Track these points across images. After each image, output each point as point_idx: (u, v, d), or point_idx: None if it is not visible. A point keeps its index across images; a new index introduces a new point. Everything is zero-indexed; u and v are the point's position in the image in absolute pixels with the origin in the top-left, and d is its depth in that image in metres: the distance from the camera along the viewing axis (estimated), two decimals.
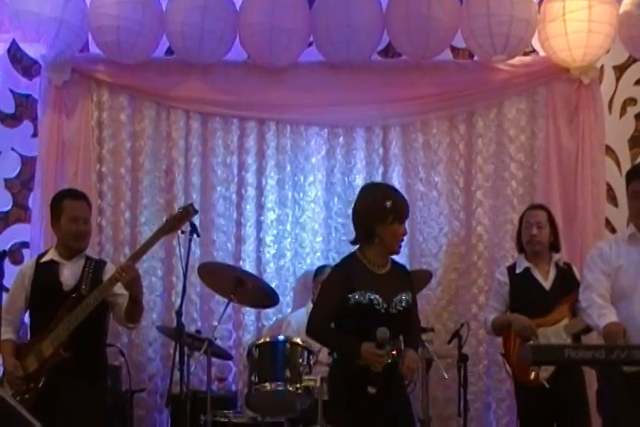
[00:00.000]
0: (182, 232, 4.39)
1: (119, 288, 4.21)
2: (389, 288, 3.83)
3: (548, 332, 4.73)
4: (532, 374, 4.56)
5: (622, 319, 3.89)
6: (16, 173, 5.98)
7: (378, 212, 3.84)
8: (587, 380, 4.78)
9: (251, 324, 5.77)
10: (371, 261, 3.89)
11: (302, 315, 5.54)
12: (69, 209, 4.33)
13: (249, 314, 5.75)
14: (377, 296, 3.78)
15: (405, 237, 5.41)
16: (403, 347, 3.80)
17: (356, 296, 3.76)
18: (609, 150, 5.92)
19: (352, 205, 5.56)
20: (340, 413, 3.86)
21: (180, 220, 4.29)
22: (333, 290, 3.85)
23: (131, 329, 4.78)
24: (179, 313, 4.54)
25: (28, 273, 4.38)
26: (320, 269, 5.67)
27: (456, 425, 5.08)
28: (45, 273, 4.32)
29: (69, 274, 4.30)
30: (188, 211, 4.31)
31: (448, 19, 5.58)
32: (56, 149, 5.72)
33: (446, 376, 4.85)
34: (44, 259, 4.40)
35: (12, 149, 5.98)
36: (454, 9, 5.63)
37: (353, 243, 3.98)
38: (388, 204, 3.84)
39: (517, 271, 4.93)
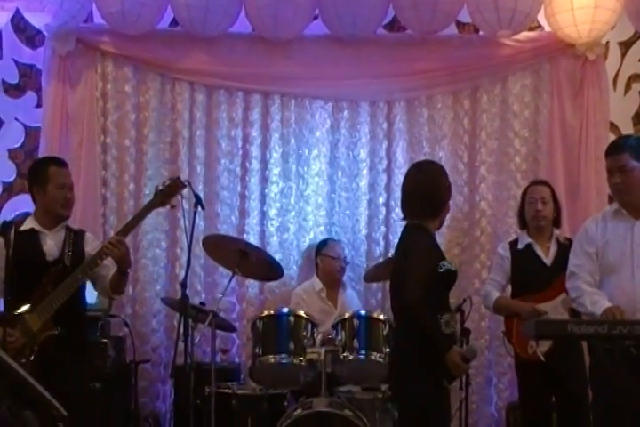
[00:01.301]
0: (172, 206, 4.36)
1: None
2: None
3: (547, 306, 4.76)
4: (530, 348, 4.65)
5: (611, 292, 3.93)
6: (20, 143, 5.99)
7: (449, 190, 4.00)
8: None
9: (254, 296, 5.81)
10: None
11: (308, 289, 5.60)
12: (56, 176, 4.26)
13: (252, 287, 5.79)
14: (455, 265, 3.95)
15: None
16: None
17: (446, 264, 3.84)
18: (613, 127, 5.92)
19: (355, 180, 5.78)
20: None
21: (169, 194, 4.28)
22: (426, 259, 3.83)
23: (113, 300, 4.80)
24: (183, 285, 4.55)
25: (2, 242, 4.21)
26: (323, 243, 5.71)
27: (458, 398, 5.12)
28: (27, 242, 4.20)
29: (52, 244, 4.24)
30: (177, 184, 4.28)
31: None
32: (60, 120, 5.72)
33: None
34: (22, 227, 4.26)
35: (16, 120, 5.99)
36: None
37: (408, 216, 3.97)
38: (448, 182, 4.02)
39: (519, 247, 4.96)
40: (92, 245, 4.33)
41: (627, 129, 5.97)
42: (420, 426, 3.79)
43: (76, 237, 4.30)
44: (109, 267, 4.23)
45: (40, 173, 4.30)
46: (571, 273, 4.09)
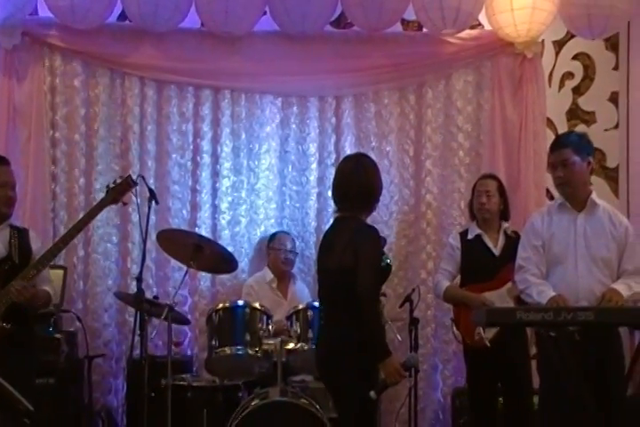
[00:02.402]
0: (124, 204, 4.49)
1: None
2: None
3: (493, 295, 4.95)
4: (477, 335, 4.84)
5: (558, 283, 4.17)
6: None
7: (379, 186, 4.09)
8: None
9: (206, 289, 5.87)
10: None
11: (259, 280, 5.70)
12: None
13: (204, 280, 5.85)
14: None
15: None
16: None
17: (384, 259, 3.97)
18: (548, 122, 6.14)
19: (305, 173, 5.89)
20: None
21: (120, 191, 4.37)
22: (379, 253, 3.94)
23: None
24: (139, 279, 4.64)
25: None
26: (272, 236, 5.83)
27: (407, 385, 5.29)
28: None
29: None
30: (128, 182, 4.39)
31: None
32: (7, 114, 5.67)
33: (400, 338, 5.07)
34: None
35: None
36: None
37: (341, 209, 4.04)
38: (380, 178, 4.12)
39: (469, 237, 5.13)
40: (36, 244, 4.37)
41: (561, 124, 6.22)
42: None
43: (20, 235, 4.33)
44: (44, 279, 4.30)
45: None
46: (519, 266, 4.32)
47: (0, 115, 5.67)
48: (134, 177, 4.55)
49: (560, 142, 4.31)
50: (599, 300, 4.08)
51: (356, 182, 3.99)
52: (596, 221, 4.23)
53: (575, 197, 4.25)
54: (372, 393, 3.75)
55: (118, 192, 4.37)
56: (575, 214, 4.24)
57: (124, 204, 4.53)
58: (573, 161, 4.19)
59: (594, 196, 4.28)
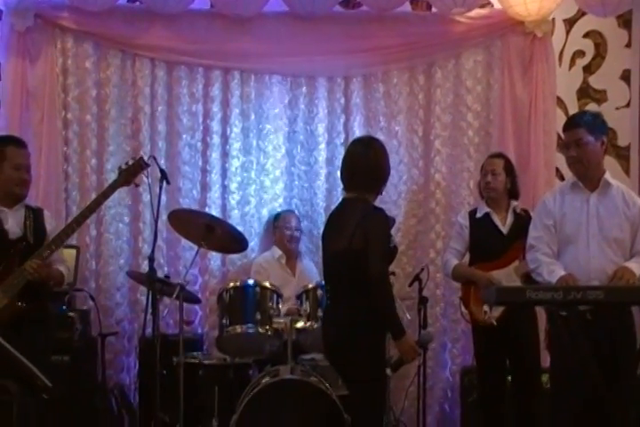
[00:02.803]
0: (136, 185, 4.55)
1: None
2: None
3: (501, 274, 4.98)
4: (484, 313, 4.88)
5: (569, 263, 4.20)
6: None
7: (386, 170, 4.14)
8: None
9: (216, 268, 5.93)
10: None
11: (268, 258, 5.75)
12: (14, 156, 4.35)
13: (215, 259, 5.90)
14: None
15: None
16: None
17: (393, 240, 4.06)
18: (559, 101, 6.13)
19: (313, 154, 5.92)
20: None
21: (132, 173, 4.44)
22: (388, 235, 4.01)
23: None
24: (151, 259, 4.67)
25: None
26: (278, 215, 5.87)
27: (415, 364, 5.34)
28: None
29: (14, 223, 4.32)
30: (140, 164, 4.45)
31: None
32: (20, 96, 5.71)
33: (409, 317, 5.12)
34: None
35: None
36: None
37: (349, 189, 4.10)
38: (388, 160, 4.16)
39: (478, 216, 5.15)
40: (50, 224, 4.46)
41: (571, 103, 6.20)
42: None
43: (35, 215, 4.40)
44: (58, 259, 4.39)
45: None
46: (530, 246, 4.34)
47: (13, 96, 5.71)
48: (145, 158, 4.62)
49: (574, 122, 4.32)
50: (610, 278, 4.10)
51: (365, 165, 4.05)
52: (609, 200, 4.25)
53: (588, 177, 4.27)
54: (388, 371, 3.90)
55: (130, 173, 4.43)
56: (588, 194, 4.26)
57: (137, 185, 4.59)
58: (587, 141, 4.21)
59: (607, 175, 4.30)
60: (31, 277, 4.16)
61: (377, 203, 5.75)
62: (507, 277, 4.97)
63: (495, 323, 4.85)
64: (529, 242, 4.35)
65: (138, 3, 5.88)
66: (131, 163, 4.46)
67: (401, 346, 3.92)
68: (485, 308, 4.88)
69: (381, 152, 4.13)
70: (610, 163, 6.09)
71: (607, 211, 4.23)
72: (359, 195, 4.05)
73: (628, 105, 6.16)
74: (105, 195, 4.47)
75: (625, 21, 6.10)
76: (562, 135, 5.97)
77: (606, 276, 4.12)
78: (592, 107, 6.15)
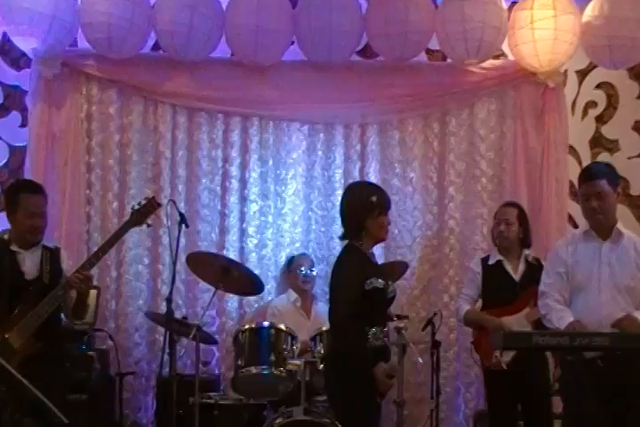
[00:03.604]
0: (148, 225, 4.57)
1: None
2: (385, 276, 4.19)
3: (511, 320, 5.05)
4: (494, 358, 4.94)
5: (581, 310, 4.24)
6: (4, 161, 6.17)
7: (365, 208, 4.18)
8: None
9: (233, 310, 6.03)
10: (367, 251, 4.23)
11: (284, 301, 5.84)
12: (27, 204, 4.36)
13: (232, 301, 6.00)
14: (384, 282, 4.12)
15: None
16: None
17: (373, 282, 4.07)
18: (571, 150, 6.26)
19: (330, 199, 6.04)
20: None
21: (144, 213, 4.47)
22: (352, 278, 4.10)
23: (75, 326, 4.96)
24: (169, 300, 4.78)
25: None
26: (291, 259, 5.96)
27: (428, 408, 5.39)
28: (4, 262, 4.26)
29: (31, 264, 4.36)
30: (152, 204, 4.49)
31: (424, 23, 5.83)
32: (45, 140, 5.88)
33: (421, 361, 5.16)
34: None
35: (0, 139, 6.15)
36: (430, 14, 5.88)
37: (342, 238, 4.29)
38: (373, 199, 4.20)
39: (490, 263, 5.25)
40: (66, 263, 4.50)
41: (584, 152, 6.34)
42: None
43: (52, 256, 4.45)
44: (74, 291, 4.38)
45: (11, 200, 4.44)
46: (542, 292, 4.40)
47: (39, 140, 5.87)
48: (165, 201, 4.72)
49: (595, 173, 4.35)
50: (613, 324, 4.12)
51: (342, 210, 4.30)
52: (622, 249, 4.30)
53: (603, 226, 4.33)
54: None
55: (142, 214, 4.47)
56: (600, 243, 4.32)
57: (149, 226, 4.60)
58: (608, 192, 4.28)
59: (619, 225, 4.36)
60: (76, 286, 4.23)
61: (393, 248, 5.99)
62: (518, 323, 5.04)
63: (506, 367, 4.90)
64: (541, 289, 4.41)
65: (160, 51, 6.06)
66: (143, 203, 4.50)
67: (377, 380, 4.01)
68: (496, 353, 4.92)
69: (353, 194, 4.31)
70: (623, 212, 6.18)
71: (619, 260, 4.28)
72: (349, 241, 4.24)
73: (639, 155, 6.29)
74: (117, 235, 4.52)
75: (636, 74, 6.29)
76: (574, 184, 6.16)
77: None
78: (604, 156, 6.30)
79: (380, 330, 4.08)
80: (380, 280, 4.10)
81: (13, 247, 4.38)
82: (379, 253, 5.07)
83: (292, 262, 5.94)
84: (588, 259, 4.31)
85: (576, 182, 6.08)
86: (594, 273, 4.27)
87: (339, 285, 4.15)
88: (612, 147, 6.36)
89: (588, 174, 4.38)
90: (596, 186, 4.26)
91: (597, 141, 6.37)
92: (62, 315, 4.53)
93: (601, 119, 6.38)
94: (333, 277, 4.22)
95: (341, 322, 4.08)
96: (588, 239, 4.35)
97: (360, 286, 4.05)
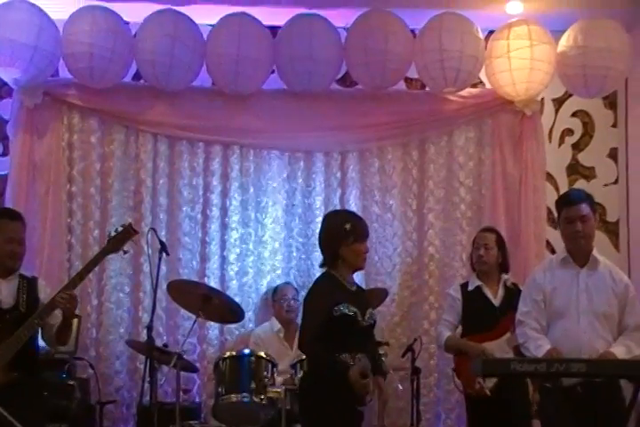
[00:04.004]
0: (125, 252, 4.53)
1: None
2: (362, 303, 4.23)
3: (493, 345, 5.09)
4: (477, 384, 4.97)
5: (559, 337, 4.27)
6: None
7: (339, 235, 4.25)
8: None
9: (214, 338, 6.02)
10: (344, 279, 4.26)
11: (266, 330, 5.86)
12: (6, 230, 4.38)
13: (213, 329, 6.00)
14: (356, 309, 4.14)
15: None
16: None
17: (342, 308, 4.10)
18: (549, 177, 6.34)
19: (311, 226, 6.08)
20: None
21: (121, 240, 4.45)
22: (320, 305, 4.16)
23: (57, 351, 4.96)
24: (149, 328, 4.80)
25: None
26: (275, 289, 5.99)
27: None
28: None
29: (7, 292, 4.35)
30: (129, 231, 4.47)
31: (403, 52, 5.91)
32: (27, 169, 5.90)
33: (401, 388, 5.21)
34: None
35: None
36: (408, 43, 5.97)
37: (321, 266, 4.35)
38: (347, 226, 4.25)
39: (469, 289, 5.29)
40: (44, 292, 4.48)
41: (561, 179, 6.43)
42: None
43: (29, 285, 4.45)
44: (57, 316, 4.38)
45: None
46: (518, 321, 4.41)
47: (21, 169, 5.89)
48: (146, 229, 4.73)
49: (578, 198, 4.43)
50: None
51: (319, 239, 4.40)
52: (598, 276, 4.34)
53: (582, 251, 4.37)
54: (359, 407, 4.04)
55: (119, 240, 4.44)
56: (578, 269, 4.36)
57: (125, 252, 4.56)
58: (590, 216, 4.35)
59: (595, 252, 4.41)
60: (62, 306, 4.22)
61: (372, 274, 6.03)
62: (499, 348, 5.09)
63: (489, 394, 4.93)
64: (517, 317, 4.43)
65: (142, 81, 6.12)
66: (120, 230, 4.48)
67: (353, 384, 3.99)
68: (479, 379, 4.95)
69: (326, 223, 4.41)
70: (600, 238, 6.25)
71: (596, 286, 4.32)
72: (325, 269, 4.34)
73: (616, 182, 6.41)
74: (94, 262, 4.50)
75: (611, 102, 6.42)
76: (552, 210, 6.23)
77: (596, 351, 4.18)
78: (581, 183, 6.41)
79: (351, 356, 4.09)
80: (351, 307, 4.13)
81: None
82: (359, 279, 5.10)
83: (275, 292, 5.97)
84: (565, 286, 4.33)
85: (554, 209, 6.25)
86: (572, 300, 4.30)
87: (306, 311, 4.25)
88: (589, 174, 6.47)
89: (571, 199, 4.44)
90: (581, 210, 4.32)
91: (574, 168, 6.47)
92: (44, 342, 4.52)
93: (577, 147, 6.49)
94: (304, 304, 4.32)
95: (307, 344, 4.15)
96: (566, 266, 4.38)
97: (328, 313, 4.09)
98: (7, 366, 4.19)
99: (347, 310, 4.11)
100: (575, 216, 4.31)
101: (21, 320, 4.27)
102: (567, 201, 4.43)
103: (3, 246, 4.38)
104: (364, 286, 5.76)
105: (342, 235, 4.23)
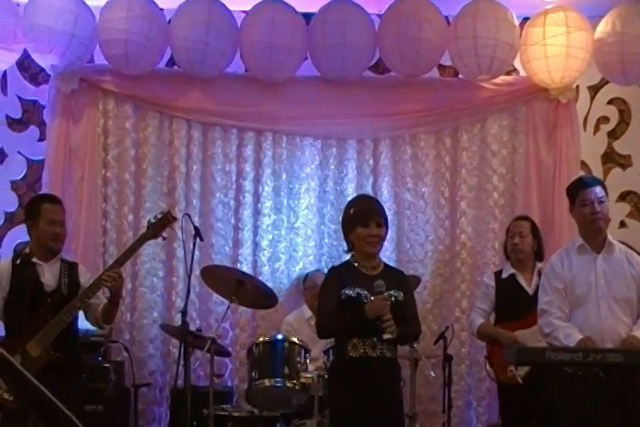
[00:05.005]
0: (164, 238, 4.65)
1: None
2: (375, 285, 4.14)
3: (525, 334, 5.07)
4: (509, 372, 4.97)
5: (579, 324, 4.26)
6: (22, 175, 6.25)
7: (346, 221, 4.31)
8: None
9: (247, 323, 6.08)
10: (360, 264, 4.26)
11: (298, 317, 5.89)
12: (48, 212, 4.50)
13: (245, 313, 6.06)
14: (365, 292, 4.12)
15: (393, 244, 5.85)
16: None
17: (347, 291, 4.13)
18: (583, 165, 6.30)
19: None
20: (342, 398, 4.17)
21: (160, 226, 4.53)
22: (330, 289, 4.22)
23: (103, 329, 5.04)
24: (184, 313, 4.85)
25: (4, 273, 4.48)
26: (306, 276, 6.01)
27: (440, 421, 5.42)
28: (25, 274, 4.41)
29: (50, 276, 4.48)
30: (168, 218, 4.55)
31: (436, 39, 5.91)
32: (63, 154, 5.97)
33: (433, 375, 5.21)
34: (20, 260, 4.49)
35: (19, 153, 6.24)
36: (442, 30, 5.96)
37: (346, 252, 4.37)
38: (351, 211, 4.28)
39: (503, 276, 5.29)
40: (84, 277, 4.61)
41: (596, 167, 6.38)
42: None
43: (70, 269, 4.58)
44: (100, 297, 4.52)
45: (33, 210, 4.59)
46: (542, 310, 4.38)
47: (57, 155, 5.96)
48: (180, 215, 4.79)
49: (594, 180, 4.50)
50: (621, 343, 4.17)
51: None
52: (615, 261, 4.35)
53: (597, 237, 4.37)
54: (385, 335, 4.00)
55: (158, 227, 4.53)
56: (594, 255, 4.36)
57: (164, 239, 4.69)
58: (605, 199, 4.37)
59: (610, 237, 4.42)
60: (109, 285, 4.34)
61: (404, 262, 6.03)
62: (532, 337, 5.04)
63: (521, 381, 4.92)
64: (540, 307, 4.39)
65: (176, 67, 6.15)
66: (159, 217, 4.56)
67: (370, 312, 4.02)
68: (511, 367, 4.94)
69: (344, 210, 4.40)
70: (635, 226, 6.25)
71: (613, 271, 4.32)
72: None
73: None
74: (133, 248, 4.62)
75: None
76: None
77: (619, 336, 4.20)
78: (616, 171, 6.37)
79: (358, 340, 4.10)
80: (356, 289, 4.13)
81: (33, 259, 4.49)
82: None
83: (306, 279, 5.99)
84: (584, 273, 4.33)
85: None
86: (591, 287, 4.30)
87: (319, 301, 4.36)
88: (624, 162, 6.41)
89: (587, 182, 4.46)
90: (599, 191, 4.34)
91: (609, 157, 6.42)
92: (89, 323, 4.66)
93: (613, 135, 6.43)
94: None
95: (322, 329, 4.28)
96: (582, 253, 4.38)
97: (337, 298, 4.14)
98: (50, 347, 4.30)
99: (351, 293, 4.13)
100: (593, 198, 4.32)
101: (63, 303, 4.37)
102: (583, 184, 4.44)
103: (46, 229, 4.49)
104: None
105: (348, 220, 4.28)
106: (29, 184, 6.24)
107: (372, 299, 4.06)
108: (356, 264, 4.25)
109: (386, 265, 4.38)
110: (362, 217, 4.20)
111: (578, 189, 4.41)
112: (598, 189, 4.35)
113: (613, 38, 5.85)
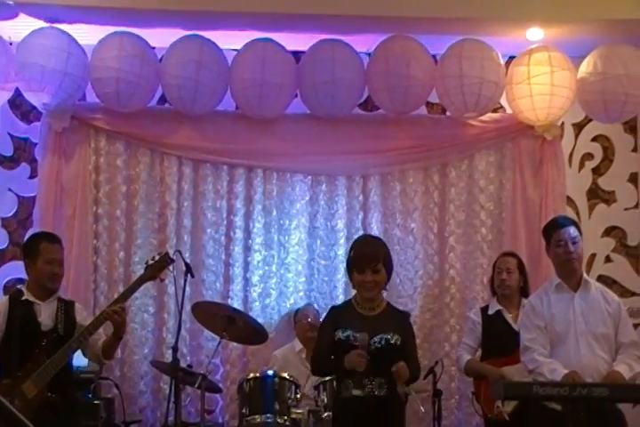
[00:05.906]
0: (161, 280, 4.72)
1: None
2: (372, 328, 4.20)
3: (512, 370, 5.09)
4: (496, 408, 4.99)
5: (562, 361, 4.31)
6: (13, 212, 6.27)
7: (347, 263, 4.42)
8: None
9: (237, 358, 6.08)
10: (359, 304, 4.31)
11: (288, 351, 5.90)
12: (46, 251, 4.52)
13: (236, 349, 6.06)
14: (357, 334, 4.14)
15: None
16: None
17: (339, 333, 4.18)
18: (569, 201, 6.40)
19: (333, 249, 6.16)
20: None
21: (158, 268, 4.59)
22: (325, 329, 4.31)
23: (103, 365, 5.06)
24: (175, 349, 4.84)
25: (1, 311, 4.44)
26: (297, 312, 6.04)
27: None
28: (22, 313, 4.36)
29: (47, 315, 4.46)
30: (166, 259, 4.61)
31: (424, 77, 5.99)
32: (54, 191, 6.00)
33: (423, 410, 5.21)
34: (17, 298, 4.41)
35: (10, 190, 6.27)
36: (430, 68, 6.05)
37: (354, 287, 4.42)
38: (351, 254, 4.37)
39: (490, 313, 5.34)
40: (81, 315, 4.62)
41: (582, 203, 6.48)
42: None
43: (67, 308, 4.57)
44: (100, 333, 4.53)
45: (32, 248, 4.59)
46: (524, 347, 4.43)
47: (48, 192, 5.99)
48: (171, 251, 4.83)
49: (567, 221, 4.59)
50: (604, 379, 4.21)
51: None
52: (591, 299, 4.43)
53: (573, 276, 4.45)
54: (354, 391, 4.11)
55: (156, 269, 4.59)
56: (572, 294, 4.44)
57: (162, 280, 4.75)
58: (579, 239, 4.44)
59: (585, 275, 4.52)
60: (111, 319, 4.35)
61: (394, 297, 6.08)
62: (518, 373, 5.04)
63: (507, 418, 4.95)
64: (523, 344, 4.44)
65: (167, 104, 6.22)
66: (157, 258, 4.62)
67: (347, 363, 4.08)
68: (498, 403, 4.97)
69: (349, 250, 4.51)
70: (621, 262, 6.34)
71: (591, 308, 4.40)
72: None
73: (636, 206, 6.47)
74: (132, 289, 4.64)
75: (631, 127, 6.48)
76: None
77: (598, 372, 4.26)
78: (601, 207, 6.47)
79: (354, 380, 4.12)
80: (347, 331, 4.17)
81: (30, 298, 4.48)
82: None
83: (297, 314, 6.01)
84: (562, 311, 4.40)
85: None
86: (570, 324, 4.37)
87: (317, 337, 4.44)
88: (609, 198, 6.51)
89: (560, 222, 4.55)
90: (572, 231, 4.41)
91: (594, 193, 6.52)
92: (87, 359, 4.71)
93: (597, 171, 6.54)
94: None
95: (313, 365, 4.41)
96: (560, 291, 4.45)
97: (330, 338, 4.22)
98: (46, 388, 4.29)
99: (342, 335, 4.18)
100: (567, 238, 4.39)
101: (59, 343, 4.37)
102: (557, 224, 4.52)
103: (43, 268, 4.50)
104: None
105: (348, 263, 4.39)
106: (20, 221, 6.26)
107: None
108: (356, 304, 4.32)
109: (389, 305, 4.41)
110: (358, 263, 4.26)
111: (552, 230, 4.50)
112: (572, 230, 4.42)
113: (595, 78, 5.96)
